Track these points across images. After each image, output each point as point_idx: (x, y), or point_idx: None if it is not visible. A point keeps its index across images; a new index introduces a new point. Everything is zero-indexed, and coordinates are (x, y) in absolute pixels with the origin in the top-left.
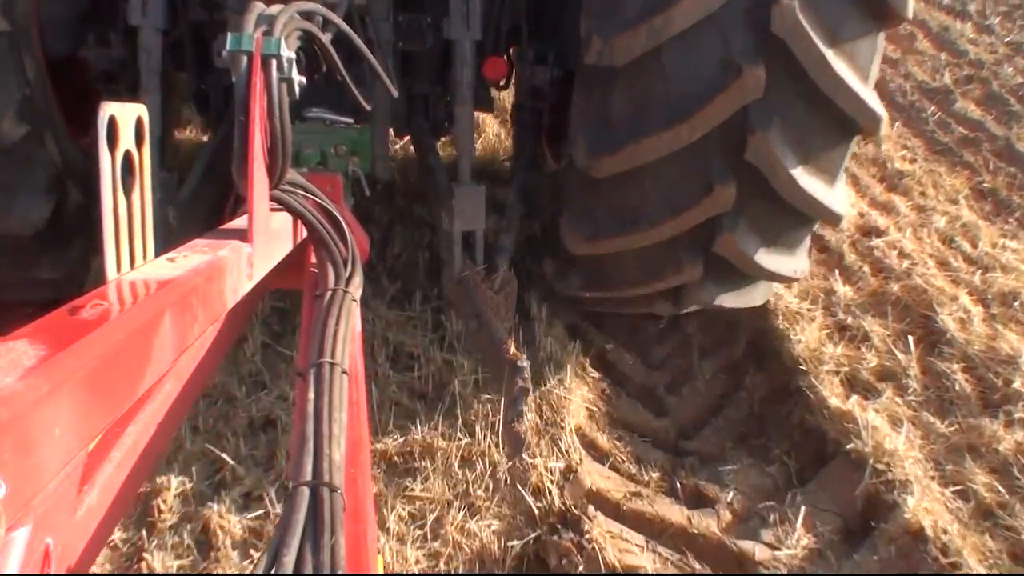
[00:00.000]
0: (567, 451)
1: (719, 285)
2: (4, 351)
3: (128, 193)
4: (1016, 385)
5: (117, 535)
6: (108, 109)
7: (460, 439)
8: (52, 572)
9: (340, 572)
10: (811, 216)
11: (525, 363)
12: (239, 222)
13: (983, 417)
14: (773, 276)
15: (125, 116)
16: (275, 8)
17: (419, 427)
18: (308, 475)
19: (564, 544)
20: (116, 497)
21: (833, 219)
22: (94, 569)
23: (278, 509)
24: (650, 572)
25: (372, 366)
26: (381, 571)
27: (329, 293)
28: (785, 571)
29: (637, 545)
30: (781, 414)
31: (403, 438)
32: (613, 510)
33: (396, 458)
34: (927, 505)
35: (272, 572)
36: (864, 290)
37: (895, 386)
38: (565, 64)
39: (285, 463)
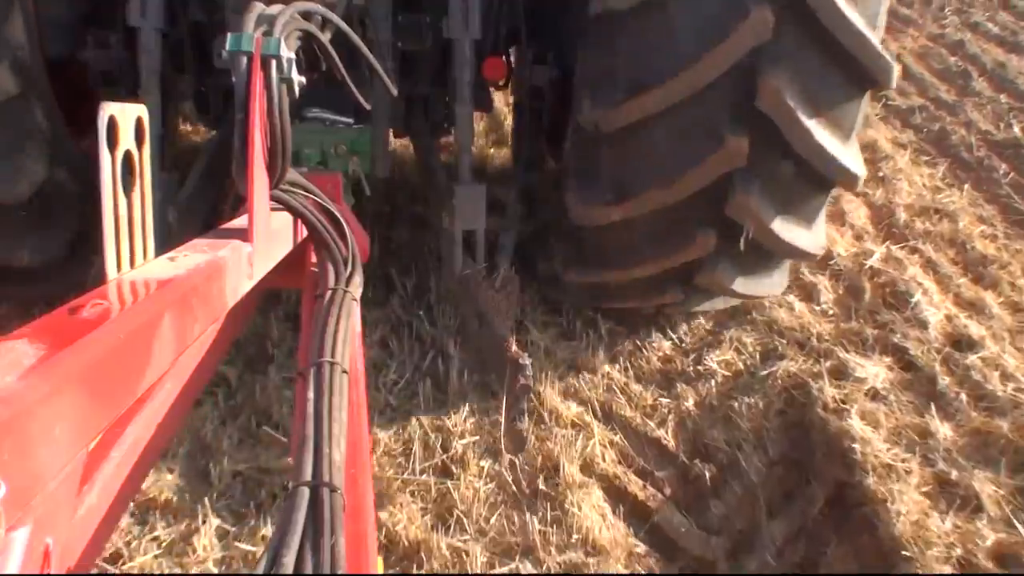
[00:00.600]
0: None
1: (735, 266)
2: (4, 351)
3: (128, 193)
4: None
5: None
6: (108, 109)
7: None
8: (52, 572)
9: (340, 572)
10: (827, 176)
11: (527, 361)
12: (239, 222)
13: None
14: (792, 250)
15: (125, 116)
16: (275, 8)
17: None
18: (308, 475)
19: None
20: (116, 497)
21: (850, 180)
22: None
23: None
24: (650, 572)
25: None
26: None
27: (329, 293)
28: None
29: None
30: None
31: None
32: None
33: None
34: None
35: (272, 572)
36: (966, 428)
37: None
38: (564, 64)
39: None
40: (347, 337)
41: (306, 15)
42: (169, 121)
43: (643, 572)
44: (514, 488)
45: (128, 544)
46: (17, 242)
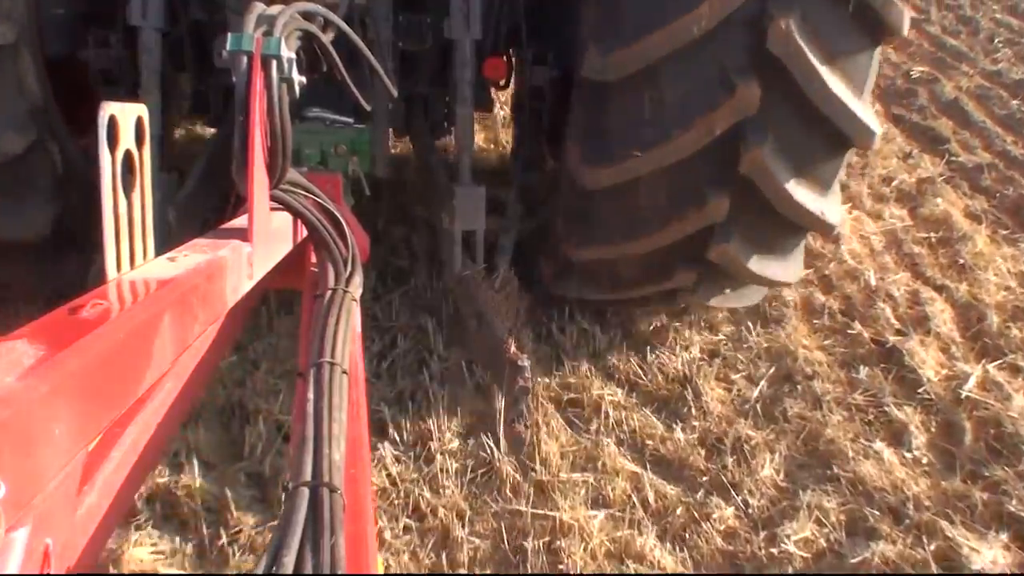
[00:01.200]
0: None
1: (748, 240)
2: (4, 351)
3: (128, 193)
4: None
5: None
6: (108, 109)
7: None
8: (52, 572)
9: (340, 572)
10: (805, 227)
11: (526, 362)
12: (239, 222)
13: None
14: (768, 283)
15: (125, 116)
16: (275, 8)
17: None
18: (308, 475)
19: None
20: (116, 497)
21: (826, 229)
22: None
23: None
24: (651, 572)
25: None
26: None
27: (329, 293)
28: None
29: None
30: None
31: None
32: None
33: None
34: None
35: (272, 572)
36: None
37: None
38: (564, 64)
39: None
40: (347, 337)
41: (306, 15)
42: (169, 121)
43: (645, 572)
44: None
45: None
46: (39, 267)
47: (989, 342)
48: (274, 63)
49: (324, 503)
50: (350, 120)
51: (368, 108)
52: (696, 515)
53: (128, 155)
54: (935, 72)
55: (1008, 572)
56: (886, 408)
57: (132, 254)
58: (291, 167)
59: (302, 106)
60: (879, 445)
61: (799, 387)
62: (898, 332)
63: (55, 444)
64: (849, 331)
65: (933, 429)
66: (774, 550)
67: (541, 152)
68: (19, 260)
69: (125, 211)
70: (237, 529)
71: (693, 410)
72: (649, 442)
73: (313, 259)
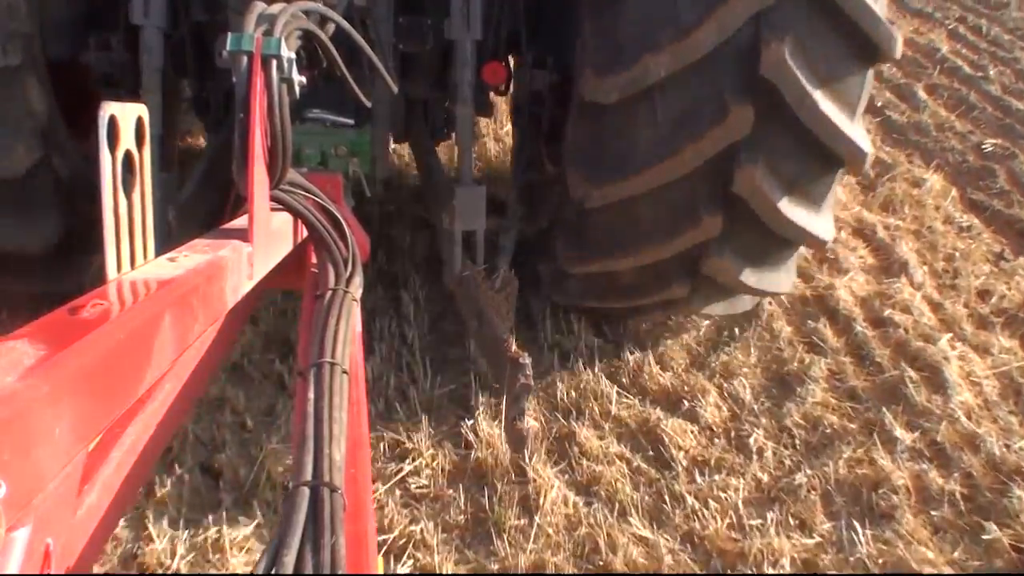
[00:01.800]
0: None
1: (742, 254)
2: (4, 351)
3: (128, 193)
4: None
5: None
6: (109, 109)
7: None
8: (52, 572)
9: (340, 572)
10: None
11: (527, 360)
12: (239, 222)
13: None
14: (762, 294)
15: (126, 116)
16: (276, 8)
17: None
18: (308, 475)
19: None
20: (116, 497)
21: (818, 244)
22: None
23: None
24: (652, 572)
25: None
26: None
27: (329, 293)
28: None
29: None
30: None
31: None
32: None
33: None
34: None
35: (272, 572)
36: None
37: None
38: (564, 69)
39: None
40: (347, 337)
41: (307, 14)
42: (169, 121)
43: (645, 573)
44: None
45: None
46: (54, 275)
47: None
48: (274, 63)
49: (324, 503)
50: (350, 121)
51: (368, 106)
52: None
53: (128, 155)
54: (1008, 144)
55: (1008, 572)
56: None
57: (132, 254)
58: (291, 167)
59: (302, 107)
60: None
61: None
62: None
63: (55, 444)
64: (982, 535)
65: None
66: None
67: (540, 156)
68: (28, 270)
69: (125, 211)
70: None
71: None
72: None
73: (313, 259)
